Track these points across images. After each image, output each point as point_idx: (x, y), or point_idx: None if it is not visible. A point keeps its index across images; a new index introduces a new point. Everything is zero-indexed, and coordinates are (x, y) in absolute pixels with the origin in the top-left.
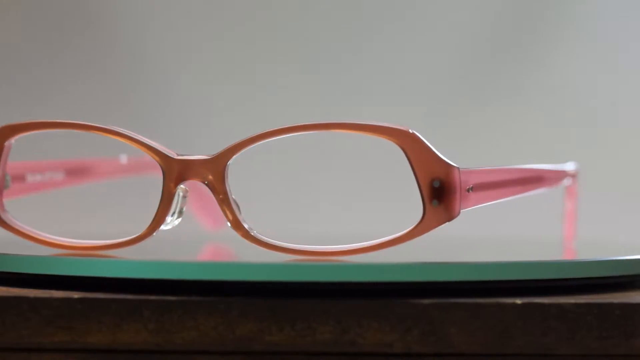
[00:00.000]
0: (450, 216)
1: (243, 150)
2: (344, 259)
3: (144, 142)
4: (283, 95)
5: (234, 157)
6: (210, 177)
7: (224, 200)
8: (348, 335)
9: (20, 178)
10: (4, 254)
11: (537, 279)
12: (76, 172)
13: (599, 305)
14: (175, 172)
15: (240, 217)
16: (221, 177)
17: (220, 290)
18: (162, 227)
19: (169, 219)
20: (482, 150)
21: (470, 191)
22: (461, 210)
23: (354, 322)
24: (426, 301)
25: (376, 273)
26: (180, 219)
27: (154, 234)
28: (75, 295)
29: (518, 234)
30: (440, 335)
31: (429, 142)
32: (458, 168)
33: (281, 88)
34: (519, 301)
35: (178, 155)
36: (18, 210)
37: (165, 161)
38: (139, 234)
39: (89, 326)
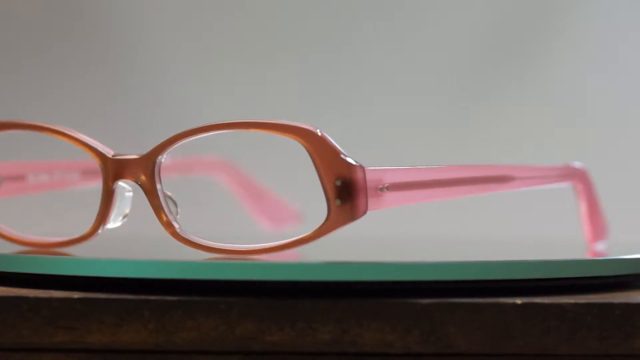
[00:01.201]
0: (353, 216)
1: (169, 150)
2: (258, 258)
3: (83, 140)
4: (282, 97)
5: (161, 156)
6: (143, 177)
7: (155, 199)
8: (348, 335)
9: (17, 178)
10: (4, 254)
11: (537, 278)
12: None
13: (599, 305)
14: (112, 171)
15: (171, 217)
16: (151, 176)
17: (220, 290)
18: (108, 226)
19: (112, 217)
20: (482, 150)
21: (385, 190)
22: (369, 210)
23: (354, 322)
24: (426, 301)
25: (376, 272)
26: (125, 219)
27: (99, 232)
28: (75, 295)
29: (519, 234)
30: (440, 335)
31: (335, 140)
32: (363, 167)
33: (279, 89)
34: (519, 301)
35: (114, 154)
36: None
37: (102, 160)
38: (85, 232)
39: (89, 326)
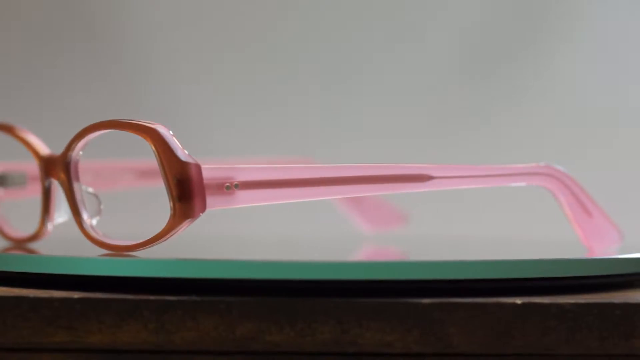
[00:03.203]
0: (190, 214)
1: (76, 149)
2: (131, 254)
3: (23, 137)
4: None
5: (71, 154)
6: (62, 175)
7: (69, 197)
8: (348, 335)
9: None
10: (4, 254)
11: (537, 278)
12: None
13: (599, 305)
14: (43, 169)
15: (85, 215)
16: (67, 174)
17: (220, 290)
18: (56, 222)
19: (57, 214)
20: (481, 150)
21: (234, 188)
22: (210, 209)
23: (354, 322)
24: (426, 301)
25: (376, 272)
26: (66, 215)
27: (49, 227)
28: (75, 295)
29: (518, 234)
30: (440, 335)
31: (175, 137)
32: (199, 165)
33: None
34: (519, 301)
35: (46, 153)
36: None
37: (38, 158)
38: (35, 230)
39: (89, 326)
